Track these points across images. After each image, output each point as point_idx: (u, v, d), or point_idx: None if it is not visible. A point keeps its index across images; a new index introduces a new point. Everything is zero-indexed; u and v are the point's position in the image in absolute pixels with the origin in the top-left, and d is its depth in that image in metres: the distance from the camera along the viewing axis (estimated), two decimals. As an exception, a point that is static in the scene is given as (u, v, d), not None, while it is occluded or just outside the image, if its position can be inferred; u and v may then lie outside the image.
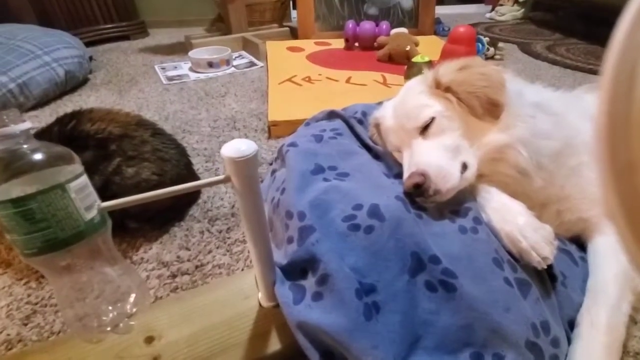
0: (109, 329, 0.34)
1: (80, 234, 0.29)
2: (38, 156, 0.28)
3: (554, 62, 1.69)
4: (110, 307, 0.36)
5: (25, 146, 0.28)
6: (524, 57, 1.81)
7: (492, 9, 2.81)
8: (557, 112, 0.57)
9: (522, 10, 2.68)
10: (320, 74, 1.45)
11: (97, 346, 0.45)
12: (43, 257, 0.28)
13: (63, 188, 0.28)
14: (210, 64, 1.62)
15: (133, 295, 0.36)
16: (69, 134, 0.61)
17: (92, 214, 0.30)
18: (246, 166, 0.35)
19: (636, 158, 0.14)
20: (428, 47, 1.68)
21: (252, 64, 1.74)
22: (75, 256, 0.31)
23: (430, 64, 1.24)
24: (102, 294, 0.35)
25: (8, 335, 0.54)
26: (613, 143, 0.15)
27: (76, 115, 0.64)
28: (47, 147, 0.29)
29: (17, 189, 0.27)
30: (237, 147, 0.35)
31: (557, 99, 0.63)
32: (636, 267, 0.16)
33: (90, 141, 0.61)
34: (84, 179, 0.30)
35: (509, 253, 0.49)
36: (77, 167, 0.30)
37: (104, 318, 0.35)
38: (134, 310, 0.36)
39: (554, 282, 0.50)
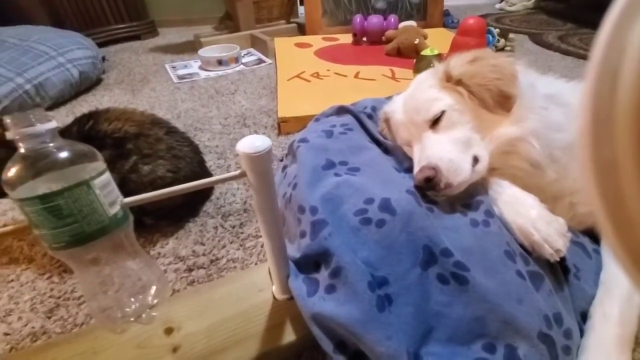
0: (132, 319, 0.36)
1: (105, 229, 0.31)
2: (63, 154, 0.29)
3: (566, 53, 1.65)
4: (132, 299, 0.37)
5: (51, 145, 0.29)
6: (535, 48, 1.77)
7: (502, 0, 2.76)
8: (570, 104, 0.56)
9: (533, 0, 2.63)
10: (328, 70, 1.45)
11: (119, 337, 0.47)
12: (70, 250, 0.30)
13: (88, 185, 0.29)
14: (220, 62, 1.64)
15: (154, 287, 0.38)
16: (87, 134, 0.63)
17: (116, 209, 0.32)
18: (261, 161, 0.36)
19: (619, 156, 0.14)
20: (437, 39, 1.66)
21: (260, 61, 1.75)
22: (100, 250, 0.32)
23: (439, 56, 1.23)
24: (124, 286, 0.36)
25: (33, 328, 0.56)
26: (596, 141, 0.15)
27: (93, 115, 0.66)
28: (72, 145, 0.31)
29: (43, 186, 0.29)
30: (252, 143, 0.35)
31: (570, 90, 0.62)
32: (621, 265, 0.16)
33: (108, 140, 0.63)
34: (107, 175, 0.32)
35: (522, 246, 0.49)
36: (100, 164, 0.31)
37: (127, 309, 0.37)
38: (155, 301, 0.37)
39: (567, 274, 0.50)
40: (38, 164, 0.28)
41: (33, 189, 0.28)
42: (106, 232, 0.31)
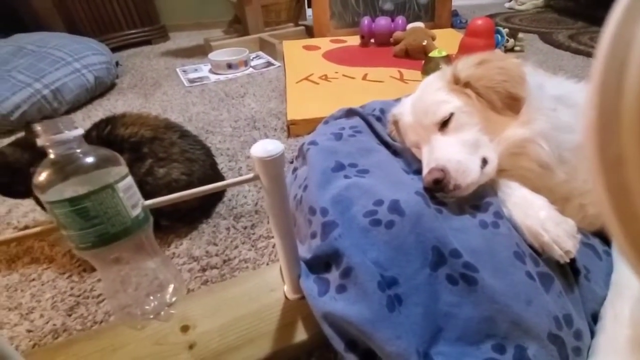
0: (151, 316, 0.37)
1: (128, 230, 0.32)
2: (89, 159, 0.31)
3: (576, 52, 1.63)
4: (151, 297, 0.39)
5: (78, 150, 0.31)
6: (545, 48, 1.76)
7: (512, -2, 2.74)
8: (580, 104, 0.56)
9: (543, -2, 2.60)
10: (336, 72, 1.46)
11: (138, 334, 0.49)
12: (95, 250, 0.32)
13: (113, 188, 0.31)
14: (230, 66, 1.66)
15: (171, 286, 0.39)
16: (106, 138, 0.65)
17: (137, 211, 0.33)
18: (274, 165, 0.37)
19: (625, 152, 0.14)
20: (445, 40, 1.66)
21: (269, 64, 1.77)
22: (122, 250, 0.34)
23: (447, 58, 1.23)
24: (143, 284, 0.38)
25: (54, 325, 0.59)
26: (602, 136, 0.15)
27: (111, 120, 0.69)
28: (96, 151, 0.32)
29: (70, 189, 0.31)
30: (265, 147, 0.37)
31: (580, 90, 0.62)
32: (627, 260, 0.16)
33: (125, 144, 0.65)
34: (130, 179, 0.33)
35: (531, 247, 0.49)
36: (123, 168, 0.33)
37: (146, 307, 0.38)
38: (173, 299, 0.39)
39: (577, 276, 0.50)
40: (66, 168, 0.30)
41: (61, 192, 0.30)
42: (129, 233, 0.32)
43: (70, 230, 0.31)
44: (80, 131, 0.31)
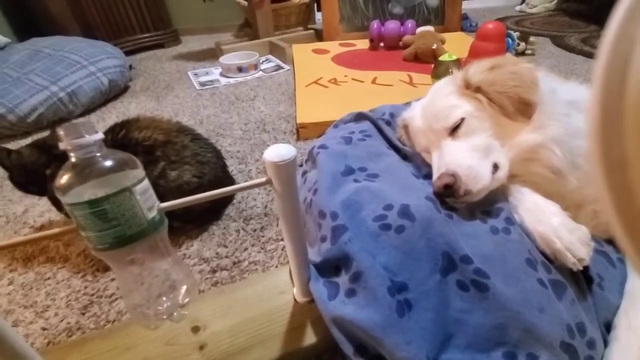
0: (164, 317, 0.38)
1: (144, 231, 0.33)
2: (108, 163, 0.32)
3: (589, 55, 1.61)
4: (164, 298, 0.40)
5: (98, 154, 0.32)
6: (557, 51, 1.74)
7: (523, 1, 2.72)
8: None
9: (555, 1, 2.57)
10: (346, 76, 1.47)
11: (150, 334, 0.50)
12: (113, 251, 0.32)
13: (130, 191, 0.32)
14: (240, 69, 1.68)
15: (184, 287, 0.40)
16: (121, 142, 0.67)
17: (153, 213, 0.34)
18: (286, 169, 0.38)
19: (629, 154, 0.14)
20: (455, 44, 1.65)
21: (279, 68, 1.79)
22: (138, 251, 0.35)
23: (457, 62, 1.23)
24: (157, 285, 0.39)
25: (68, 323, 0.60)
26: (605, 138, 0.15)
27: (125, 124, 0.70)
28: (115, 154, 0.33)
29: (89, 191, 0.31)
30: (278, 152, 0.37)
31: (593, 96, 0.61)
32: (633, 264, 0.16)
33: (139, 148, 0.66)
34: (146, 182, 0.34)
35: (544, 254, 0.49)
36: (140, 171, 0.34)
37: (159, 307, 0.39)
38: (186, 300, 0.39)
39: (590, 284, 0.49)
40: (86, 171, 0.31)
41: (81, 195, 0.31)
42: (145, 234, 0.33)
43: (89, 232, 0.32)
44: (100, 135, 0.32)
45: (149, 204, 0.34)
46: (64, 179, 0.31)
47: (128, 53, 2.04)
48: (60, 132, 0.30)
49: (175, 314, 0.39)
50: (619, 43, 0.14)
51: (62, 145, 0.31)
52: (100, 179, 0.32)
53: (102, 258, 0.34)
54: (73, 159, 0.31)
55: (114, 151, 0.33)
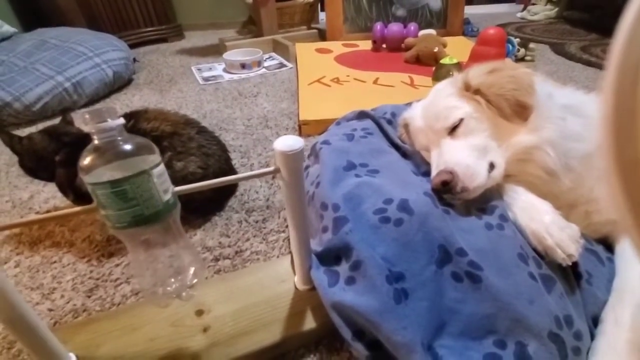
0: (174, 296, 0.40)
1: (159, 213, 0.35)
2: (129, 146, 0.34)
3: (588, 64, 1.64)
4: (172, 279, 0.42)
5: (119, 138, 0.34)
6: (556, 58, 1.77)
7: (524, 8, 2.75)
8: (589, 115, 0.57)
9: (556, 9, 2.61)
10: (348, 75, 1.49)
11: (155, 316, 0.52)
12: (130, 230, 0.34)
13: (149, 173, 0.34)
14: (243, 66, 1.70)
15: (192, 269, 0.42)
16: (129, 131, 0.68)
17: (168, 196, 0.36)
18: (294, 159, 0.40)
19: None
20: (456, 48, 1.68)
21: (282, 65, 1.80)
22: (152, 231, 0.36)
23: (458, 65, 1.25)
24: (168, 265, 0.41)
25: (74, 305, 0.62)
26: (619, 138, 0.15)
27: (134, 115, 0.72)
28: (135, 139, 0.35)
29: (109, 173, 0.33)
30: (287, 142, 0.39)
31: (590, 101, 0.63)
32: None
33: (147, 138, 0.68)
34: (162, 167, 0.36)
35: (535, 250, 0.51)
36: (157, 156, 0.36)
37: (169, 288, 0.41)
38: (194, 281, 0.41)
39: (579, 279, 0.51)
40: (108, 153, 0.33)
41: (102, 175, 0.33)
42: (160, 215, 0.35)
43: (109, 210, 0.34)
44: (121, 121, 0.34)
45: (164, 186, 0.36)
46: (87, 159, 0.32)
47: (131, 46, 2.04)
48: (86, 116, 0.32)
49: (184, 293, 0.41)
50: (631, 45, 0.14)
51: (86, 129, 0.32)
52: (120, 162, 0.34)
53: (118, 236, 0.36)
54: (96, 142, 0.33)
55: (134, 136, 0.35)
